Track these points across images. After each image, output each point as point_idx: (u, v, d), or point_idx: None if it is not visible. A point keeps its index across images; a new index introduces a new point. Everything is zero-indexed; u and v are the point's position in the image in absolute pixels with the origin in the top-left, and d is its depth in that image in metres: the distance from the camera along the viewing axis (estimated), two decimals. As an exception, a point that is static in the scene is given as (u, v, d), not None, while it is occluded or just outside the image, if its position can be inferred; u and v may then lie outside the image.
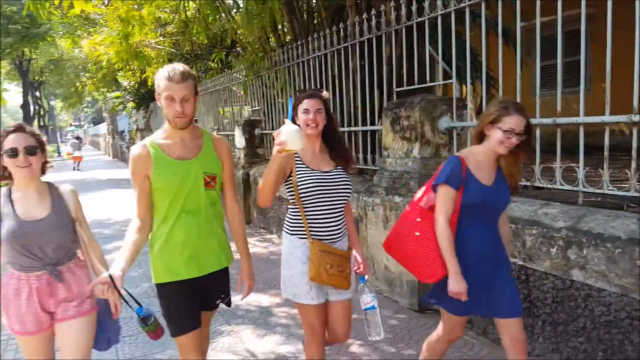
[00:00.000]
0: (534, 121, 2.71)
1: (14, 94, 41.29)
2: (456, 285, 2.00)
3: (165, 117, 2.00)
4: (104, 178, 15.55)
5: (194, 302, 2.08)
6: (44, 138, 2.09)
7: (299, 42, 5.87)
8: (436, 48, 3.86)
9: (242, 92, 7.78)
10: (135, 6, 8.79)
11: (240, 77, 7.65)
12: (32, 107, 29.64)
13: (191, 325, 2.07)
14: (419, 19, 3.92)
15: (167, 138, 2.04)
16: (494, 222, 2.14)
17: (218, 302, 2.20)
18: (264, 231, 6.70)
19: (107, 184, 13.37)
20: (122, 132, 25.32)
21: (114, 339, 2.19)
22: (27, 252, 1.97)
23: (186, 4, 9.11)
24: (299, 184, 2.09)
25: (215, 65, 9.98)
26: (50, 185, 2.11)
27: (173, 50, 12.07)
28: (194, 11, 9.57)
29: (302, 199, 2.11)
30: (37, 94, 31.45)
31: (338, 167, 2.21)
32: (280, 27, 7.19)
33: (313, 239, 2.12)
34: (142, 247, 2.02)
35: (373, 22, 4.44)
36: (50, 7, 6.77)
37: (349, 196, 2.21)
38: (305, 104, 2.14)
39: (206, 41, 9.51)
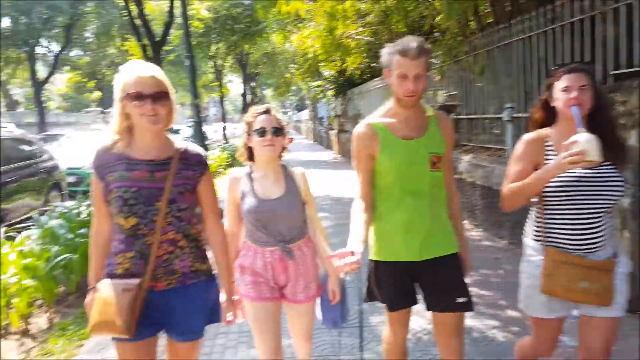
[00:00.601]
0: None
1: (235, 84, 48.35)
2: None
3: (394, 95, 1.90)
4: (305, 159, 17.33)
5: (407, 284, 2.00)
6: (285, 123, 2.16)
7: (500, 26, 5.75)
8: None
9: (438, 77, 7.89)
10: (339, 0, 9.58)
11: (437, 62, 7.78)
12: (248, 96, 34.35)
13: (399, 304, 2.02)
14: (624, 2, 3.54)
15: (391, 116, 1.95)
16: None
17: (458, 300, 1.95)
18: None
19: (308, 165, 14.93)
20: (322, 118, 27.56)
21: (339, 321, 2.25)
22: (263, 228, 2.07)
23: (387, -6, 9.53)
24: (551, 184, 1.82)
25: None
26: (284, 167, 2.20)
27: (372, 39, 12.69)
28: (394, 0, 9.96)
29: (545, 199, 1.86)
30: (253, 84, 36.28)
31: (606, 162, 1.79)
32: (480, 9, 7.06)
33: (548, 245, 1.87)
34: (370, 225, 2.00)
35: (586, 2, 4.14)
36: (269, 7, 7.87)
37: (616, 200, 1.84)
38: (565, 80, 1.80)
39: (405, 29, 9.82)
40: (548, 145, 1.91)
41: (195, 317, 1.84)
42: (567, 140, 1.67)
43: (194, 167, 1.84)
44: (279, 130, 2.09)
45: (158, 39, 9.97)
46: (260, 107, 2.14)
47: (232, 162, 15.05)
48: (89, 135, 11.66)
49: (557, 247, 1.86)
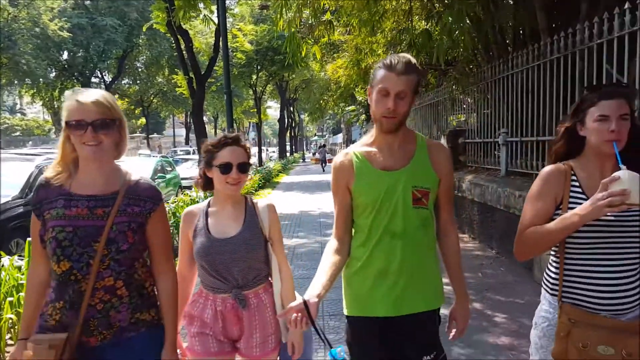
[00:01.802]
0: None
1: (273, 109, 50.14)
2: None
3: (373, 117, 1.66)
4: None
5: (383, 346, 1.70)
6: (251, 154, 1.97)
7: (499, 61, 6.52)
8: (621, 66, 4.13)
9: (453, 102, 8.65)
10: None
11: (452, 91, 8.58)
12: (286, 120, 35.77)
13: None
14: (598, 41, 4.26)
15: (372, 144, 1.73)
16: None
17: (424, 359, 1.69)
18: (458, 231, 7.46)
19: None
20: (354, 140, 28.53)
21: None
22: (213, 271, 1.83)
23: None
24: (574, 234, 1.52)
25: (433, 80, 11.04)
26: (247, 199, 1.97)
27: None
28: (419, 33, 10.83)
29: (567, 247, 1.56)
30: (291, 109, 37.81)
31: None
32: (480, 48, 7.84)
33: (564, 302, 1.57)
34: (340, 269, 1.73)
35: (562, 43, 4.88)
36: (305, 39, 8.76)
37: None
38: (603, 107, 1.49)
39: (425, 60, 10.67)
40: (574, 180, 1.58)
41: None
42: (607, 179, 1.37)
43: (143, 202, 1.61)
44: (246, 166, 1.86)
45: (203, 71, 11.22)
46: (228, 136, 1.87)
47: (264, 184, 16.12)
48: (134, 160, 12.99)
49: (579, 305, 1.53)
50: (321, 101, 26.62)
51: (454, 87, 8.00)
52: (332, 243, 1.76)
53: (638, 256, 1.52)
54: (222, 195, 1.90)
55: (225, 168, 1.82)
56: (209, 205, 1.94)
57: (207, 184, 1.92)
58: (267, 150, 43.89)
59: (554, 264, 1.65)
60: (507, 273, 5.12)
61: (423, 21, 7.41)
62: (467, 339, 3.37)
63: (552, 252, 1.66)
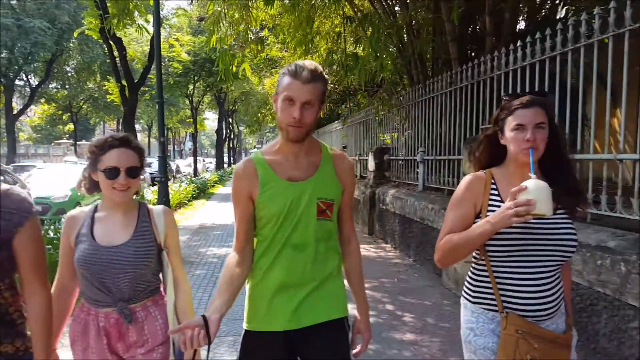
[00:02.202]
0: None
1: (211, 120, 49.57)
2: None
3: (279, 125, 1.58)
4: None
5: None
6: (146, 154, 1.81)
7: (419, 85, 7.12)
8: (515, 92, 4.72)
9: (377, 124, 9.22)
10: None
11: (378, 111, 9.14)
12: (224, 131, 35.53)
13: None
14: (497, 72, 4.87)
15: (277, 153, 1.64)
16: None
17: None
18: (381, 241, 7.94)
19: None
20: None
21: None
22: (96, 282, 1.66)
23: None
24: (495, 236, 1.50)
25: (364, 100, 11.65)
26: (141, 205, 1.81)
27: (333, 86, 14.16)
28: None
29: (491, 255, 1.55)
30: (230, 120, 37.59)
31: (560, 210, 1.55)
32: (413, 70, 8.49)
33: (506, 312, 1.52)
34: (242, 285, 1.63)
35: (469, 72, 5.49)
36: (243, 52, 8.91)
37: (571, 253, 1.55)
38: (519, 116, 1.51)
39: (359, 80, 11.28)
40: (493, 188, 1.59)
41: None
42: (515, 188, 1.39)
43: (8, 215, 1.44)
44: (136, 171, 1.71)
45: (137, 79, 11.11)
46: (115, 136, 1.73)
47: (199, 195, 16.01)
48: (60, 166, 12.57)
49: (518, 312, 1.51)
50: (259, 114, 26.81)
51: (379, 107, 8.55)
52: (232, 256, 1.64)
53: (557, 260, 1.53)
54: (110, 201, 1.75)
55: (112, 173, 1.67)
56: (95, 210, 1.78)
57: (93, 187, 1.77)
58: (203, 160, 43.16)
59: (478, 272, 1.62)
60: (419, 279, 5.59)
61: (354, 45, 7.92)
62: (377, 336, 3.72)
63: (474, 260, 1.64)
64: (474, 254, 1.61)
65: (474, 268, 1.65)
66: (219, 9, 6.55)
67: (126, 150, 1.71)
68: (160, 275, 1.84)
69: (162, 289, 1.84)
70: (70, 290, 1.79)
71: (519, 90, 4.54)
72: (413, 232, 6.48)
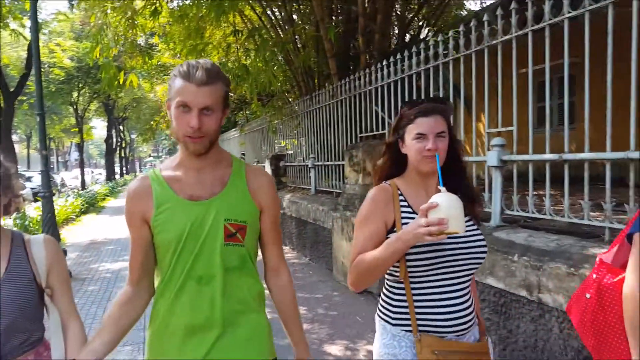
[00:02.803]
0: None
1: (99, 128, 46.58)
2: None
3: (174, 135, 1.36)
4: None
5: None
6: (11, 169, 1.45)
7: (307, 97, 7.65)
8: (385, 106, 5.39)
9: (271, 133, 9.63)
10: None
11: (271, 120, 9.55)
12: (114, 140, 33.67)
13: None
14: (368, 88, 5.52)
15: (177, 168, 1.41)
16: None
17: None
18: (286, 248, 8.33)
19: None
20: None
21: None
22: None
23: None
24: (411, 251, 1.42)
25: (258, 109, 11.99)
26: (14, 235, 1.48)
27: (231, 94, 14.30)
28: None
29: (412, 274, 1.45)
30: (121, 127, 35.70)
31: (466, 218, 1.45)
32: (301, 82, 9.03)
33: (420, 335, 1.44)
34: (132, 325, 1.43)
35: (347, 87, 6.10)
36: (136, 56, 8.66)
37: (481, 263, 1.50)
38: (420, 124, 1.45)
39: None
40: (402, 199, 1.52)
41: None
42: (425, 205, 1.30)
43: None
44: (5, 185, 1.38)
45: (13, 88, 10.37)
46: None
47: (87, 209, 15.17)
48: None
49: (435, 332, 1.44)
50: (152, 122, 25.89)
51: (272, 116, 8.98)
52: (123, 291, 1.41)
53: (470, 269, 1.48)
54: None
55: None
56: None
57: None
58: (92, 172, 40.42)
59: (396, 290, 1.50)
60: (313, 275, 6.08)
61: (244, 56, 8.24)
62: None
63: (388, 277, 1.54)
64: (392, 272, 1.51)
65: (390, 286, 1.54)
66: (100, 21, 6.49)
67: None
68: (45, 321, 1.50)
69: (46, 337, 1.50)
70: None
71: (389, 102, 5.17)
72: (307, 232, 6.96)
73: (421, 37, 7.23)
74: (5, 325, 1.36)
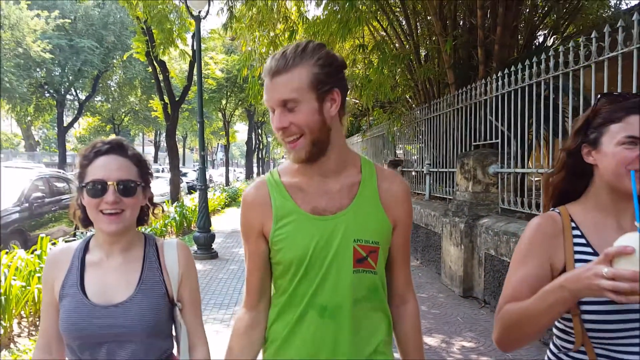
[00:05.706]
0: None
1: (242, 132, 51.23)
2: None
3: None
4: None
5: None
6: (152, 167, 1.32)
7: (425, 105, 7.99)
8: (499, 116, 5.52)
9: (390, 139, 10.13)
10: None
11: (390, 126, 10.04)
12: (254, 142, 36.86)
13: None
14: (484, 97, 5.70)
15: (298, 173, 1.18)
16: None
17: None
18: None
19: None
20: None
21: None
22: (88, 356, 1.20)
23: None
24: (587, 308, 1.03)
25: (380, 116, 12.56)
26: (147, 239, 1.31)
27: (356, 100, 15.05)
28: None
29: (596, 340, 1.04)
30: (259, 131, 38.97)
31: None
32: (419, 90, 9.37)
33: None
34: (259, 353, 1.25)
35: (463, 96, 6.33)
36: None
37: None
38: (633, 125, 1.03)
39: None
40: (577, 235, 1.11)
41: None
42: (613, 246, 0.90)
43: None
44: (132, 185, 1.23)
45: (177, 97, 12.37)
46: (105, 140, 1.25)
47: (230, 203, 17.15)
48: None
49: None
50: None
51: (391, 123, 9.47)
52: (242, 317, 1.23)
53: None
54: (102, 236, 1.26)
55: (97, 189, 1.19)
56: (86, 249, 1.28)
57: (86, 220, 1.27)
58: (234, 170, 44.73)
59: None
60: (422, 277, 6.43)
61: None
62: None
63: (561, 344, 1.14)
64: (560, 334, 1.13)
65: (568, 355, 1.12)
66: (250, 48, 7.66)
67: (118, 158, 1.23)
68: (173, 337, 1.34)
69: (175, 353, 1.34)
70: (59, 353, 1.29)
71: (500, 115, 5.32)
72: (419, 236, 7.29)
73: (547, 44, 7.09)
74: (139, 345, 1.21)
